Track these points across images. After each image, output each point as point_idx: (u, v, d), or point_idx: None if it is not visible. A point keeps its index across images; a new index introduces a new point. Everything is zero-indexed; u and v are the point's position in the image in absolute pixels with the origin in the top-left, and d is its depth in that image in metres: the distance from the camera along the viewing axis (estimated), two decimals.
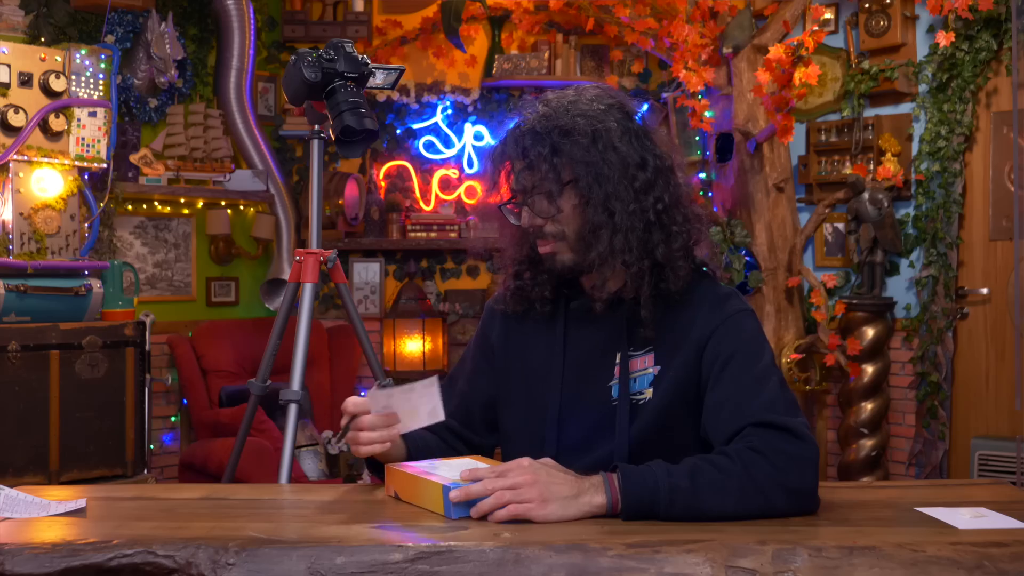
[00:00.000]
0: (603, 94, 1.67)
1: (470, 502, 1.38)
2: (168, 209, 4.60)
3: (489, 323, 1.81)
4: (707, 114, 4.45)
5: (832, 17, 4.64)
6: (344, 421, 1.58)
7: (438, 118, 5.20)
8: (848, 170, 4.50)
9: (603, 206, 1.58)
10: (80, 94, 3.94)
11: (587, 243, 1.60)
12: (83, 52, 3.96)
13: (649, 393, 1.61)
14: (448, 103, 5.19)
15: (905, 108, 4.45)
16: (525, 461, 1.41)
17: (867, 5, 4.48)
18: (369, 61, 2.67)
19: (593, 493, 1.39)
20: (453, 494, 1.38)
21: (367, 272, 5.10)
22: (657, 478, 1.40)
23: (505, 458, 1.70)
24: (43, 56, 3.84)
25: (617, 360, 1.63)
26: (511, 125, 1.66)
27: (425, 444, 1.71)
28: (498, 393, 1.77)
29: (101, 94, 4.02)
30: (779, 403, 1.50)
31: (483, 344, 1.81)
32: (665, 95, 5.03)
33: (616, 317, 1.64)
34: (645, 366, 1.62)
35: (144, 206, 4.50)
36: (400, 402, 1.56)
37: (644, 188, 1.60)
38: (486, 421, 1.79)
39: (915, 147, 4.40)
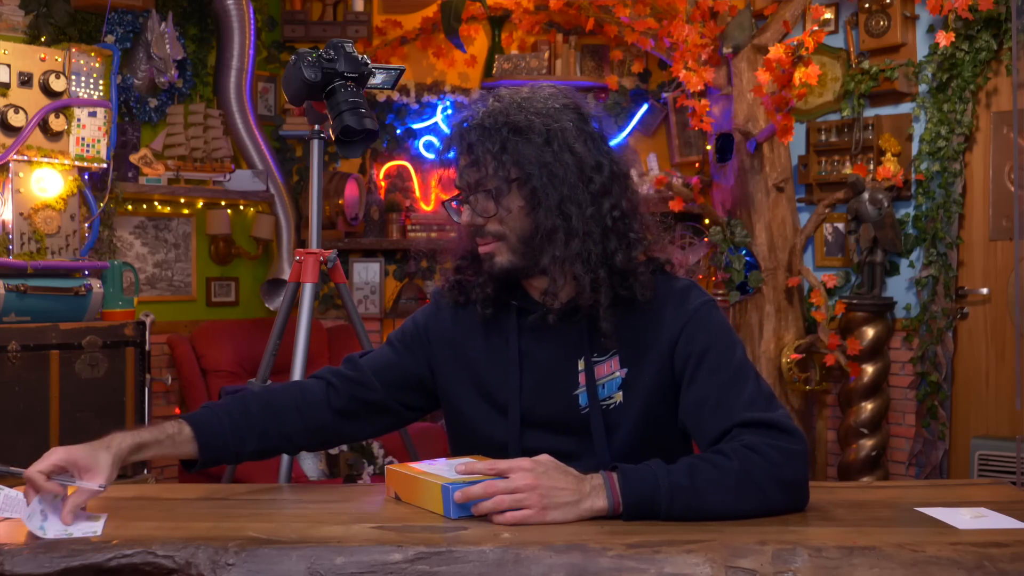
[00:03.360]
0: (558, 93, 1.61)
1: (471, 502, 1.38)
2: (168, 209, 4.60)
3: (434, 317, 1.74)
4: (707, 114, 4.45)
5: (832, 17, 4.64)
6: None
7: (438, 118, 5.20)
8: (848, 170, 4.49)
9: (557, 209, 1.53)
10: (80, 94, 3.94)
11: (535, 247, 1.55)
12: (83, 52, 3.96)
13: (619, 397, 1.59)
14: (448, 103, 5.19)
15: (905, 108, 4.45)
16: (527, 463, 1.40)
17: (867, 5, 4.47)
18: (369, 61, 2.67)
19: (595, 497, 1.38)
20: (457, 495, 1.38)
21: (367, 272, 5.10)
22: (657, 477, 1.39)
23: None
24: (43, 56, 3.84)
25: (581, 367, 1.60)
26: (458, 119, 1.60)
27: (236, 433, 1.60)
28: (447, 399, 1.71)
29: (101, 94, 4.02)
30: (759, 399, 1.50)
31: (421, 331, 1.73)
32: (665, 95, 5.03)
33: (574, 325, 1.60)
34: (612, 370, 1.59)
35: (144, 206, 4.50)
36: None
37: (601, 192, 1.56)
38: (395, 386, 1.71)
39: (915, 147, 4.40)
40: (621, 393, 1.59)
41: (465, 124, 1.58)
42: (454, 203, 1.63)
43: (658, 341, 1.58)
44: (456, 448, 1.74)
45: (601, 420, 1.58)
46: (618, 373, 1.59)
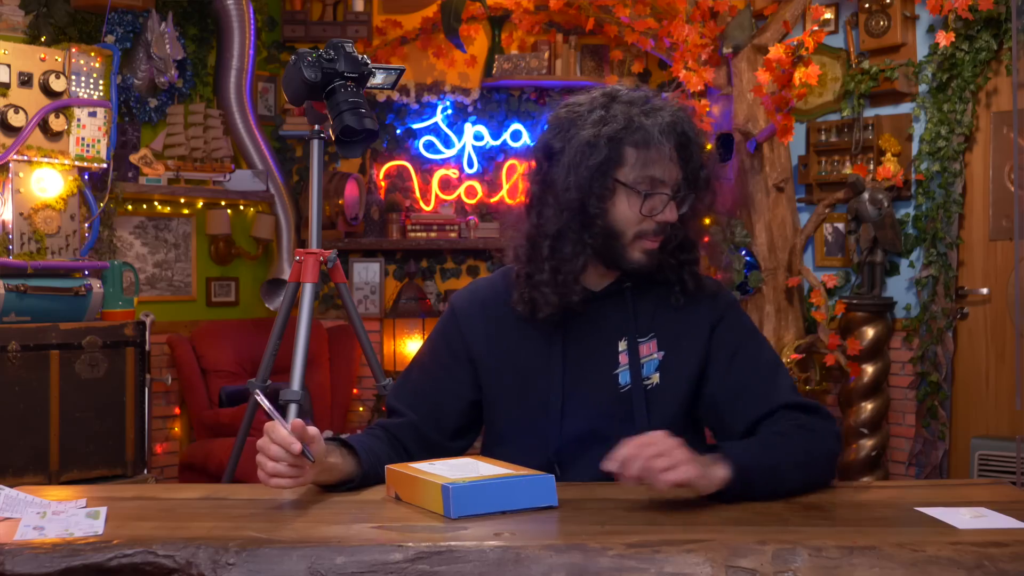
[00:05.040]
0: None
1: (470, 501, 1.38)
2: (168, 209, 4.60)
3: (463, 322, 1.71)
4: (707, 114, 4.45)
5: (832, 17, 4.64)
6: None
7: (438, 118, 5.20)
8: (848, 170, 4.49)
9: (707, 213, 1.68)
10: (80, 94, 3.94)
11: (688, 248, 1.65)
12: (83, 52, 3.96)
13: (656, 378, 1.64)
14: (448, 103, 5.19)
15: (905, 108, 4.45)
16: (655, 435, 1.40)
17: (867, 5, 4.47)
18: (369, 61, 2.67)
19: (716, 467, 1.41)
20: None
21: (367, 272, 5.10)
22: (752, 456, 1.46)
23: (500, 458, 1.61)
24: (43, 56, 3.84)
25: (622, 348, 1.65)
26: (672, 112, 1.62)
27: (377, 458, 1.61)
28: (486, 395, 1.70)
29: (101, 94, 4.02)
30: (794, 387, 1.64)
31: (454, 345, 1.71)
32: (665, 95, 5.02)
33: (618, 305, 1.66)
34: (650, 352, 1.65)
35: (144, 206, 4.50)
36: None
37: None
38: (455, 424, 1.71)
39: (915, 147, 4.40)
40: (658, 375, 1.64)
41: (681, 124, 1.62)
42: (665, 194, 1.60)
43: (696, 326, 1.65)
44: (500, 446, 1.70)
45: (643, 397, 1.63)
46: (656, 355, 1.65)
